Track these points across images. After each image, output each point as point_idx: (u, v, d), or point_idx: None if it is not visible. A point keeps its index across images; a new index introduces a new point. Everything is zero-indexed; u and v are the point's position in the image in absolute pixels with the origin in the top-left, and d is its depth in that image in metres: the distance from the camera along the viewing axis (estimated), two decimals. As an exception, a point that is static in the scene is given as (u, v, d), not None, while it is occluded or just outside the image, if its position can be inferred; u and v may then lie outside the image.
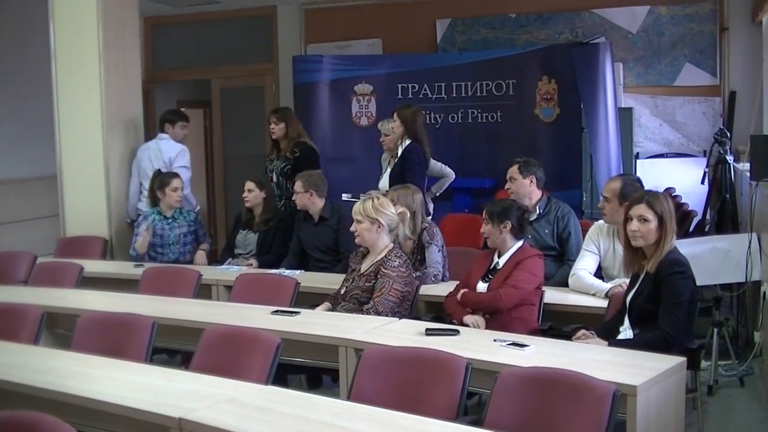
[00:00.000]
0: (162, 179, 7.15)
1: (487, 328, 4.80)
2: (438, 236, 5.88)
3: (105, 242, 7.61)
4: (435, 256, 5.80)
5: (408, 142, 7.17)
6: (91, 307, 5.33)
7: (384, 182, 7.09)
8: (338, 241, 6.53)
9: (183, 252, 7.14)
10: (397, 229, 5.32)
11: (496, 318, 4.90)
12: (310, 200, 6.61)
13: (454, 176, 7.58)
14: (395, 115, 7.31)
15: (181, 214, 7.15)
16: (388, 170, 7.21)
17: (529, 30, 9.64)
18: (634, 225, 4.47)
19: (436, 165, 7.36)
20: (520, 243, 5.12)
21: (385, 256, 5.21)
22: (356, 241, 5.35)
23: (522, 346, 4.16)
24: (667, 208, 4.45)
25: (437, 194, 7.57)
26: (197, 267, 6.59)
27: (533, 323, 4.96)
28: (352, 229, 5.32)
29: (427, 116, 8.99)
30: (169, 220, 7.09)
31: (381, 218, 5.21)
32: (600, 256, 5.45)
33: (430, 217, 7.17)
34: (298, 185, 6.64)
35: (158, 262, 6.91)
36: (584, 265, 5.41)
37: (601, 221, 5.62)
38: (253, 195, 6.94)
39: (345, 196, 7.43)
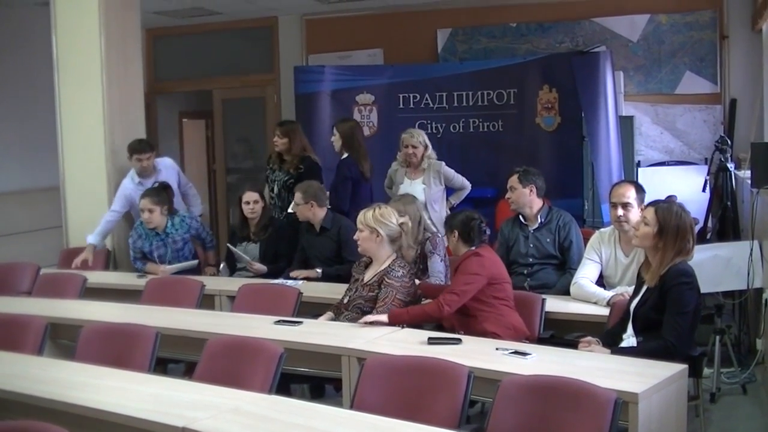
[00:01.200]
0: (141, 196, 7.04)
1: (465, 334, 4.82)
2: (441, 246, 5.90)
3: (108, 253, 7.62)
4: (437, 265, 5.82)
5: (345, 155, 7.33)
6: (94, 317, 5.34)
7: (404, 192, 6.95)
8: (340, 251, 6.53)
9: (190, 249, 7.09)
10: (400, 239, 5.32)
11: (466, 324, 4.96)
12: (311, 211, 6.59)
13: (470, 187, 7.52)
14: (334, 129, 7.47)
15: (173, 227, 7.03)
16: (412, 182, 7.17)
17: (529, 39, 9.67)
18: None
19: (457, 177, 7.30)
20: (471, 249, 5.15)
21: (389, 266, 5.21)
22: (359, 250, 5.36)
23: (524, 354, 4.17)
24: (673, 221, 4.42)
25: (455, 204, 7.50)
26: (200, 277, 6.57)
27: (510, 318, 4.98)
28: (355, 237, 5.34)
29: (429, 126, 9.03)
30: (162, 236, 7.01)
31: (380, 228, 5.21)
32: (602, 265, 5.46)
33: None
34: (297, 197, 6.62)
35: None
36: (586, 274, 5.42)
37: (603, 229, 5.64)
38: (258, 206, 6.93)
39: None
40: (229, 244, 7.02)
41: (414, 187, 7.11)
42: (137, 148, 7.45)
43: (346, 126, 7.48)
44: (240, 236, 7.04)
